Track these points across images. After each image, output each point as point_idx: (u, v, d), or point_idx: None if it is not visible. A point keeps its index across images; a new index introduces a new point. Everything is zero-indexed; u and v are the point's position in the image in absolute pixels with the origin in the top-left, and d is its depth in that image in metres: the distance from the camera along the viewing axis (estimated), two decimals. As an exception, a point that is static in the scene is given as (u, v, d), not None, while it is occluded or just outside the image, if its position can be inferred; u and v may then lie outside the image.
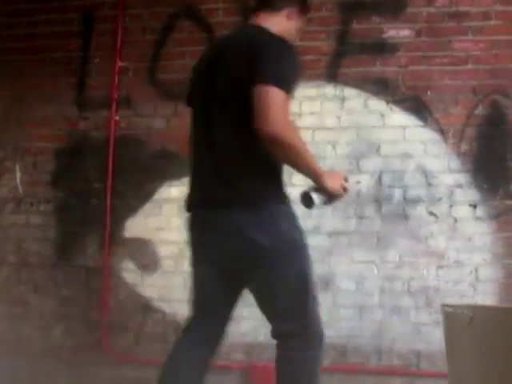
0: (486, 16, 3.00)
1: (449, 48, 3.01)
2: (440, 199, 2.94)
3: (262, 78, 1.83)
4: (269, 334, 2.69)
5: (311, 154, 2.01)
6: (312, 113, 3.10)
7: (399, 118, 3.02)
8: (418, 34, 3.05)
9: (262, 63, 1.86)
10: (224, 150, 1.99)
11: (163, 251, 3.17)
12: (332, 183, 2.04)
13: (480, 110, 2.96)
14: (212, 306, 2.17)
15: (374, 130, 3.03)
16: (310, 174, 2.04)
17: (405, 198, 2.97)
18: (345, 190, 2.06)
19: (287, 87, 1.86)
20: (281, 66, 1.88)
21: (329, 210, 3.02)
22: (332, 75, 3.10)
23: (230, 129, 1.98)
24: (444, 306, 1.78)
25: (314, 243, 3.00)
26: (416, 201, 2.96)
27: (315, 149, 3.06)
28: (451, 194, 2.94)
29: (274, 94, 1.81)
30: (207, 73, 2.08)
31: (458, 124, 2.97)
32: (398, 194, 2.98)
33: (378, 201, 2.99)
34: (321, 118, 3.09)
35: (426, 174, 2.97)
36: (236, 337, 3.02)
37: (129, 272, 3.19)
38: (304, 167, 2.02)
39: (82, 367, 3.15)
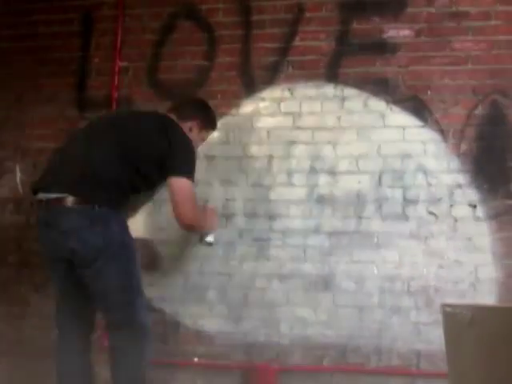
0: (486, 16, 3.00)
1: (449, 48, 3.02)
2: (440, 199, 2.94)
3: (173, 171, 2.45)
4: (269, 334, 2.70)
5: (203, 219, 2.69)
6: (312, 113, 3.10)
7: (399, 118, 3.03)
8: (418, 34, 3.05)
9: (173, 158, 2.46)
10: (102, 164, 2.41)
11: (163, 251, 3.17)
12: (214, 223, 2.82)
13: (480, 110, 2.96)
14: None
15: (374, 130, 3.03)
16: (204, 230, 2.77)
17: (405, 198, 2.97)
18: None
19: (192, 176, 2.49)
20: (186, 160, 2.51)
21: (329, 210, 3.03)
22: (332, 75, 3.10)
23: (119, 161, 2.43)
24: (444, 305, 1.78)
25: (314, 243, 3.01)
26: (416, 201, 2.96)
27: (315, 149, 3.07)
28: (451, 194, 2.94)
29: (183, 184, 2.45)
30: (116, 119, 2.65)
31: (458, 124, 2.97)
32: (397, 194, 2.98)
33: (378, 201, 2.99)
34: (321, 117, 3.09)
35: (426, 173, 2.97)
36: (236, 337, 3.02)
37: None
38: (203, 229, 2.75)
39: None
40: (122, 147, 2.43)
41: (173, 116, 2.67)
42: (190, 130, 2.70)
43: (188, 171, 2.48)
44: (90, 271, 2.33)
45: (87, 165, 2.37)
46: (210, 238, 2.78)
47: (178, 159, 2.47)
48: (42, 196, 2.40)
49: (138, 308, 2.38)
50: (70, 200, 2.31)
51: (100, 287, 2.36)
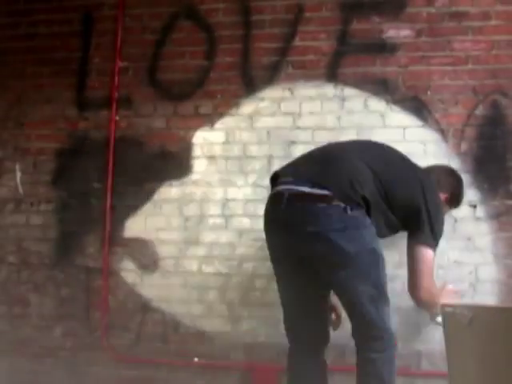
0: (486, 16, 3.00)
1: (449, 48, 3.01)
2: (440, 199, 2.94)
3: (424, 237, 2.33)
4: (269, 334, 2.69)
5: (438, 297, 2.46)
6: (312, 113, 3.10)
7: (399, 117, 3.02)
8: (418, 33, 3.05)
9: (425, 222, 2.32)
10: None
11: (163, 251, 3.17)
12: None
13: (480, 110, 2.96)
14: None
15: (374, 130, 3.03)
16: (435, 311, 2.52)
17: (405, 198, 2.96)
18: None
19: (436, 247, 2.38)
20: (438, 230, 2.37)
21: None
22: (332, 75, 3.10)
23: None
24: (444, 306, 1.78)
25: (314, 243, 3.01)
26: (416, 201, 2.95)
27: (315, 149, 3.06)
28: (451, 194, 2.93)
29: (430, 256, 2.34)
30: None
31: (458, 124, 2.97)
32: (397, 193, 2.97)
33: (378, 201, 2.98)
34: (321, 117, 3.09)
35: (425, 173, 2.96)
36: (236, 337, 3.02)
37: (129, 272, 3.19)
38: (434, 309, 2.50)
39: (82, 367, 3.15)
40: (382, 177, 2.30)
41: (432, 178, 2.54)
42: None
43: (436, 243, 2.38)
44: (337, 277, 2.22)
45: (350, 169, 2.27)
46: (439, 319, 2.43)
47: (431, 226, 2.33)
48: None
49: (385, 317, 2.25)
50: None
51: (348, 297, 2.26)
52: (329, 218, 2.17)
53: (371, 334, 2.22)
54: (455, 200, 2.68)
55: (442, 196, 2.56)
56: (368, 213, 2.23)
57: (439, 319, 2.43)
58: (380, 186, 2.28)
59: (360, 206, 2.20)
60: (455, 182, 2.68)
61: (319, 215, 2.18)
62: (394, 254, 2.93)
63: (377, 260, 2.23)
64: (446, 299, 2.45)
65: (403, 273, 2.91)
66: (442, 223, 2.42)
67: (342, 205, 2.16)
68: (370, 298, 2.20)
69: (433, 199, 2.38)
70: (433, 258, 2.38)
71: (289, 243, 2.28)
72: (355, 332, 2.28)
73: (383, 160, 2.39)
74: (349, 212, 2.16)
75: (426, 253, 2.34)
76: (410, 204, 2.33)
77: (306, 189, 2.21)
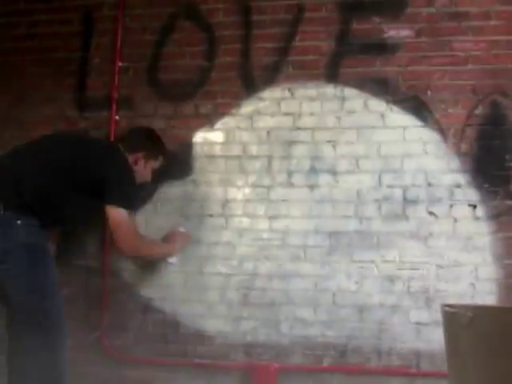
0: (486, 16, 3.00)
1: (449, 48, 3.01)
2: (440, 199, 2.94)
3: (109, 200, 2.59)
4: (269, 334, 2.70)
5: (147, 248, 2.91)
6: (312, 113, 3.10)
7: (399, 118, 3.03)
8: (418, 34, 3.05)
9: (110, 187, 2.59)
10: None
11: (163, 251, 3.17)
12: (173, 248, 3.02)
13: (480, 110, 2.96)
14: None
15: (374, 130, 3.03)
16: (161, 256, 3.03)
17: (405, 198, 2.97)
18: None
19: (130, 206, 2.66)
20: (123, 189, 2.63)
21: (329, 210, 3.03)
22: (332, 75, 3.10)
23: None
24: (444, 306, 1.78)
25: (314, 243, 3.01)
26: (416, 201, 2.96)
27: (315, 149, 3.07)
28: (451, 194, 2.94)
29: (118, 214, 2.59)
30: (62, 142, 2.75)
31: (457, 124, 2.97)
32: (397, 194, 2.98)
33: (378, 201, 2.99)
34: (321, 118, 3.09)
35: (425, 174, 2.97)
36: (236, 337, 3.02)
37: (129, 272, 3.19)
38: (156, 256, 3.04)
39: (82, 367, 3.15)
40: (58, 164, 2.55)
41: (121, 147, 2.82)
42: (136, 162, 2.84)
43: (124, 200, 2.61)
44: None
45: (16, 174, 2.50)
46: (170, 260, 3.00)
47: (115, 188, 2.60)
48: None
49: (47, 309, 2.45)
50: None
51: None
52: None
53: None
54: (152, 150, 2.93)
55: (137, 156, 2.85)
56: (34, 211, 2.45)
57: (170, 260, 3.00)
58: (44, 181, 2.51)
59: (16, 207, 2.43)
60: (142, 138, 2.93)
61: None
62: (394, 253, 2.94)
63: (34, 256, 2.44)
64: (169, 245, 2.97)
65: (403, 273, 2.92)
66: (127, 183, 2.67)
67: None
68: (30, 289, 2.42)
69: (114, 164, 2.66)
70: (125, 217, 2.61)
71: None
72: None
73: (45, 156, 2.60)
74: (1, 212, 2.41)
75: (115, 212, 2.59)
76: (91, 178, 2.59)
77: None
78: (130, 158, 2.80)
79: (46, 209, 2.50)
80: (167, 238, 3.03)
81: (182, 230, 3.08)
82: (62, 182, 2.54)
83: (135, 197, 2.77)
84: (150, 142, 2.95)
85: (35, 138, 2.79)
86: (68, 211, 2.62)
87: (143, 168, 2.89)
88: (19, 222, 2.41)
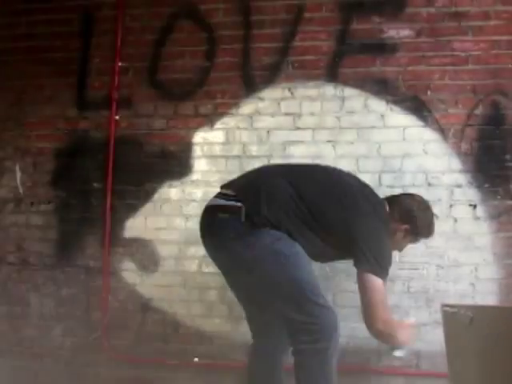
0: (486, 16, 3.00)
1: (449, 48, 3.01)
2: (440, 199, 2.94)
3: (366, 266, 2.23)
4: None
5: (395, 330, 2.31)
6: (312, 113, 3.10)
7: (399, 118, 3.02)
8: (418, 34, 3.05)
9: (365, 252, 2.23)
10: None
11: (163, 251, 3.17)
12: (406, 338, 2.36)
13: (480, 110, 2.96)
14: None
15: (374, 130, 3.03)
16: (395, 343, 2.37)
17: (405, 198, 2.96)
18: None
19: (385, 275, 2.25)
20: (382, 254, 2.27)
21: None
22: (332, 75, 3.10)
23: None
24: (444, 305, 1.78)
25: (314, 243, 3.01)
26: (416, 201, 2.95)
27: (315, 149, 3.06)
28: (451, 194, 2.94)
29: (379, 284, 2.22)
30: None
31: (457, 124, 2.97)
32: (397, 194, 2.97)
33: (378, 201, 2.98)
34: (321, 118, 3.09)
35: (425, 174, 2.97)
36: (236, 337, 3.02)
37: (129, 272, 3.19)
38: (393, 341, 2.36)
39: (81, 367, 3.15)
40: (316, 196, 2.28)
41: (386, 204, 2.43)
42: (394, 232, 2.41)
43: (384, 271, 2.25)
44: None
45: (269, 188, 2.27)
46: (399, 353, 2.44)
47: (373, 254, 2.23)
48: None
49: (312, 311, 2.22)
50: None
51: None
52: (225, 228, 2.23)
53: (296, 331, 2.23)
54: (417, 229, 2.46)
55: (399, 228, 2.41)
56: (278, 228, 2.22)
57: (398, 353, 2.44)
58: (304, 208, 2.25)
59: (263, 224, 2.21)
60: (412, 209, 2.45)
61: (216, 226, 2.26)
62: (394, 253, 2.94)
63: (281, 259, 2.20)
64: (403, 333, 2.35)
65: (403, 273, 2.92)
66: (385, 252, 2.29)
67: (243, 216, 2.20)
68: (285, 298, 2.21)
69: (372, 227, 2.28)
70: (384, 290, 2.26)
71: (210, 253, 2.39)
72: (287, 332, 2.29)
73: (318, 184, 2.33)
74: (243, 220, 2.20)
75: (375, 281, 2.23)
76: (343, 230, 2.27)
77: (221, 201, 2.29)
78: (393, 224, 2.39)
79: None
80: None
81: (412, 320, 2.59)
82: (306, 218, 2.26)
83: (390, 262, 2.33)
84: (418, 216, 2.45)
85: (300, 164, 2.65)
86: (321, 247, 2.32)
87: (400, 240, 2.47)
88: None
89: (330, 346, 2.20)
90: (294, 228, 2.24)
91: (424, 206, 2.50)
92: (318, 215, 2.26)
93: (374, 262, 2.23)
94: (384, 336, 2.31)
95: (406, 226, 2.42)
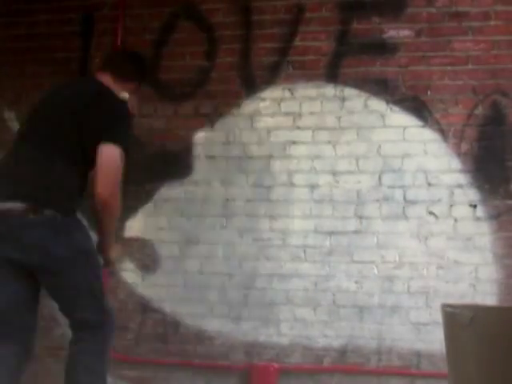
0: (486, 16, 3.00)
1: (449, 48, 3.01)
2: (440, 199, 2.94)
3: (107, 137, 2.19)
4: (269, 334, 2.69)
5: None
6: (312, 113, 3.10)
7: (399, 118, 3.02)
8: (418, 34, 3.05)
9: (109, 126, 2.22)
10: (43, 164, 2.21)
11: (163, 251, 3.17)
12: (114, 254, 2.43)
13: (480, 110, 2.96)
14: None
15: (374, 130, 3.03)
16: (107, 239, 2.34)
17: (405, 198, 2.97)
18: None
19: (125, 145, 2.24)
20: (123, 128, 2.28)
21: (329, 210, 3.03)
22: (332, 75, 3.10)
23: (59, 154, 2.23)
24: (444, 305, 1.78)
25: (314, 243, 3.01)
26: (416, 201, 2.96)
27: (315, 149, 3.07)
28: (451, 194, 2.94)
29: (113, 152, 2.20)
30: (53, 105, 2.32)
31: (458, 124, 2.97)
32: (398, 194, 2.98)
33: (378, 201, 2.99)
34: (321, 118, 3.09)
35: (426, 173, 2.97)
36: (236, 337, 3.02)
37: (129, 272, 3.19)
38: (108, 231, 2.33)
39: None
40: (60, 134, 2.22)
41: (106, 77, 2.37)
42: (133, 91, 2.46)
43: (121, 138, 2.23)
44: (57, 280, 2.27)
45: (33, 168, 2.20)
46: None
47: (115, 126, 2.24)
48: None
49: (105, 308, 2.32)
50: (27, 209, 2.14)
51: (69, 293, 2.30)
52: (36, 228, 2.16)
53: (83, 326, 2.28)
54: (144, 78, 2.53)
55: (136, 87, 2.46)
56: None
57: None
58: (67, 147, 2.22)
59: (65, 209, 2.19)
60: (136, 64, 2.49)
61: (25, 227, 2.16)
62: (393, 253, 2.94)
63: (89, 259, 2.27)
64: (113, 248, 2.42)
65: (403, 273, 2.92)
66: (124, 121, 2.30)
67: (50, 212, 2.15)
68: (92, 293, 2.29)
69: (109, 105, 2.28)
70: (118, 156, 2.21)
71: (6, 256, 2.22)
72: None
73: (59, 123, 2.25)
74: (58, 219, 2.16)
75: (110, 150, 2.19)
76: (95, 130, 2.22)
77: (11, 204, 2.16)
78: (128, 86, 2.41)
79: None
80: None
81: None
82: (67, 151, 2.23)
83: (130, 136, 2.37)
84: (143, 67, 2.53)
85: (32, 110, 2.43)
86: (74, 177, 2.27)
87: (133, 99, 2.49)
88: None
89: (111, 337, 2.31)
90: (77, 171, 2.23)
91: (133, 55, 2.56)
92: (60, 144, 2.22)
93: (115, 133, 2.21)
94: (107, 208, 2.22)
95: (135, 83, 2.45)
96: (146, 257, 3.18)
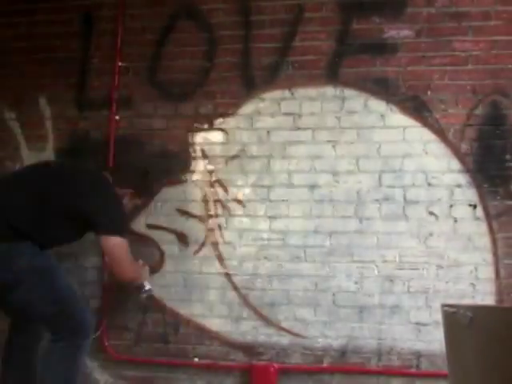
0: (486, 16, 3.00)
1: (449, 48, 3.01)
2: (440, 199, 2.94)
3: (102, 228, 2.56)
4: (269, 334, 2.67)
5: (138, 270, 2.85)
6: (312, 113, 3.10)
7: (399, 118, 3.02)
8: (418, 34, 3.05)
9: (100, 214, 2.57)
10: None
11: (163, 251, 3.17)
12: (144, 273, 2.93)
13: (480, 110, 2.96)
14: None
15: (374, 130, 3.03)
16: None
17: (405, 198, 2.97)
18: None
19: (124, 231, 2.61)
20: (116, 214, 2.63)
21: (329, 210, 3.03)
22: (332, 75, 3.10)
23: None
24: (444, 306, 1.78)
25: (314, 243, 3.01)
26: (416, 201, 2.96)
27: (315, 149, 3.07)
28: (451, 194, 2.94)
29: (115, 243, 2.55)
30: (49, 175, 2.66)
31: (458, 124, 2.97)
32: (398, 194, 2.98)
33: (378, 201, 2.99)
34: (321, 118, 3.09)
35: (426, 174, 2.97)
36: (236, 337, 3.02)
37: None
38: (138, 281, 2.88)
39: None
40: (46, 197, 2.52)
41: (109, 175, 2.80)
42: (122, 196, 2.80)
43: (120, 228, 2.60)
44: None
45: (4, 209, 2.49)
46: (147, 286, 2.91)
47: (104, 215, 2.57)
48: None
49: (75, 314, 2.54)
50: None
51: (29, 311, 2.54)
52: None
53: (58, 326, 2.52)
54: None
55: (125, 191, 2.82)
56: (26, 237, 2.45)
57: (147, 287, 2.89)
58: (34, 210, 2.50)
59: (10, 238, 2.43)
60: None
61: None
62: (394, 253, 2.94)
63: (42, 274, 2.47)
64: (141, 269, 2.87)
65: (403, 273, 2.92)
66: (116, 212, 2.63)
67: None
68: (52, 304, 2.48)
69: (99, 197, 2.60)
70: (122, 242, 2.57)
71: None
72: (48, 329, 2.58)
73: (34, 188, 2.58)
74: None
75: (113, 240, 2.55)
76: (74, 211, 2.55)
77: None
78: (119, 190, 2.77)
79: (41, 235, 2.51)
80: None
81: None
82: (51, 212, 2.53)
83: (125, 220, 2.77)
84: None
85: (19, 170, 2.87)
86: (61, 234, 2.61)
87: (128, 202, 2.89)
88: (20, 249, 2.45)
89: (84, 343, 2.52)
90: (38, 231, 2.48)
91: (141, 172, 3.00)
92: (47, 211, 2.51)
93: (108, 223, 2.55)
94: (133, 281, 2.83)
95: (128, 191, 2.83)
96: (146, 257, 3.18)
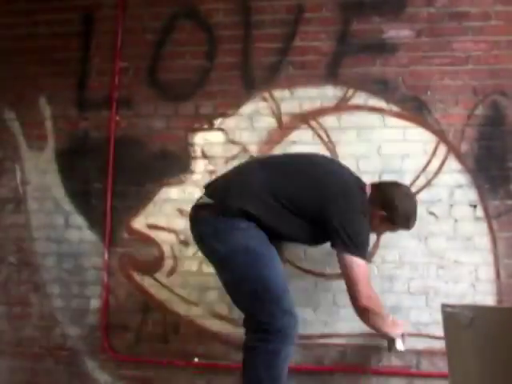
0: (486, 16, 3.00)
1: (449, 48, 3.01)
2: (440, 199, 2.94)
3: (345, 248, 2.34)
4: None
5: (381, 316, 2.52)
6: (312, 113, 3.10)
7: (399, 118, 3.02)
8: (418, 34, 3.05)
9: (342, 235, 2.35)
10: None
11: (163, 251, 3.17)
12: (395, 329, 2.61)
13: (480, 110, 2.96)
14: None
15: (374, 129, 3.03)
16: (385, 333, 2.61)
17: (405, 198, 2.96)
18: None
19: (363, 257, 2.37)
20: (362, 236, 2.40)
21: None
22: (332, 75, 3.10)
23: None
24: (444, 306, 1.78)
25: (314, 243, 3.01)
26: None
27: (315, 149, 3.06)
28: (451, 194, 2.94)
29: (358, 265, 2.33)
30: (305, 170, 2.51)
31: (458, 124, 2.97)
32: (398, 194, 2.97)
33: (378, 201, 2.98)
34: (321, 118, 3.09)
35: (425, 174, 2.97)
36: (236, 337, 3.02)
37: (129, 272, 3.19)
38: (381, 330, 2.58)
39: (82, 367, 3.15)
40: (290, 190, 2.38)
41: (368, 190, 2.55)
42: (372, 216, 2.51)
43: (362, 253, 2.36)
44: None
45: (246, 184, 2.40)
46: (399, 346, 2.64)
47: (349, 237, 2.33)
48: None
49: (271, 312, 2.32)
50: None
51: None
52: (202, 225, 2.41)
53: (254, 327, 2.36)
54: (395, 221, 2.58)
55: (378, 212, 2.52)
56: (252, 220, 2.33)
57: (399, 346, 2.61)
58: (281, 197, 2.36)
59: (234, 214, 2.32)
60: (400, 204, 2.55)
61: (197, 224, 2.45)
62: (394, 253, 2.94)
63: (252, 257, 2.31)
64: (392, 328, 2.58)
65: (403, 273, 2.92)
66: (360, 232, 2.39)
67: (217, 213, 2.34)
68: (250, 295, 2.32)
69: (346, 208, 2.38)
70: (364, 267, 2.38)
71: (200, 251, 2.54)
72: (244, 322, 2.44)
73: (293, 170, 2.47)
74: (220, 217, 2.33)
75: (355, 261, 2.34)
76: (319, 215, 2.38)
77: (200, 201, 2.48)
78: (371, 209, 2.50)
79: (266, 223, 2.37)
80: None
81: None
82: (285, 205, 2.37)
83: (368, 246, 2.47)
84: (397, 208, 2.55)
85: (278, 155, 2.84)
86: (287, 230, 2.43)
87: (377, 225, 2.58)
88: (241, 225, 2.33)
89: (282, 349, 2.29)
90: (271, 216, 2.35)
91: (407, 198, 2.61)
92: (295, 200, 2.37)
93: (348, 241, 2.32)
94: (370, 313, 2.43)
95: (382, 213, 2.52)
96: (146, 257, 3.18)
